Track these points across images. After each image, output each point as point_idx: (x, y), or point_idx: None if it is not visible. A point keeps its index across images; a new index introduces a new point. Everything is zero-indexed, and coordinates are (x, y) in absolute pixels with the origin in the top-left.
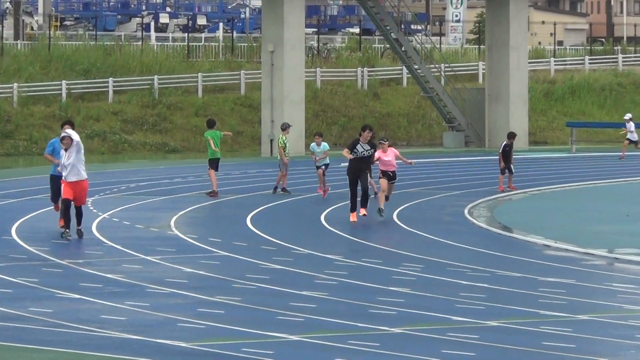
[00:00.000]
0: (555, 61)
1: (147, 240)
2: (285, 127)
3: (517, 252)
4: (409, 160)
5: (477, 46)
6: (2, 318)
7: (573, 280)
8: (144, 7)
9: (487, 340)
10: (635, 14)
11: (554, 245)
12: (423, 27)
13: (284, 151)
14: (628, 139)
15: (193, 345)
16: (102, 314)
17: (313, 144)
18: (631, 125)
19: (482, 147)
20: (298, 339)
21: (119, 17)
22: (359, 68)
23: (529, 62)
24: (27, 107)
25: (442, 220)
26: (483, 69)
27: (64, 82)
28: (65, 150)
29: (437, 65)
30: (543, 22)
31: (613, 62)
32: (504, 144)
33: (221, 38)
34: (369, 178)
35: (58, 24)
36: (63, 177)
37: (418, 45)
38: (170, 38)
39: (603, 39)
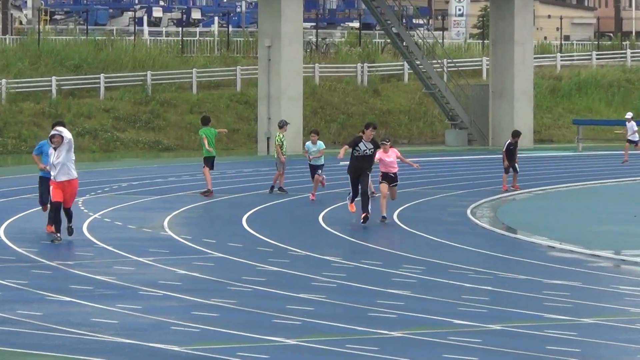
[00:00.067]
0: (561, 57)
1: (140, 241)
2: (282, 125)
3: (521, 254)
4: (414, 164)
5: (481, 41)
6: None
7: (578, 283)
8: (136, 1)
9: (489, 344)
10: None
11: (559, 246)
12: (425, 21)
13: (281, 149)
14: (628, 140)
15: (187, 349)
16: (93, 317)
17: (308, 142)
18: (632, 126)
19: (485, 146)
20: (295, 343)
21: (111, 10)
22: (359, 64)
23: (535, 58)
24: (16, 103)
25: (444, 221)
26: (487, 65)
27: (53, 78)
28: (55, 149)
29: (439, 61)
30: (549, 16)
31: (621, 57)
32: (508, 142)
33: (216, 32)
34: (369, 180)
35: (48, 18)
36: (52, 177)
37: (420, 40)
38: (164, 32)
39: (611, 34)
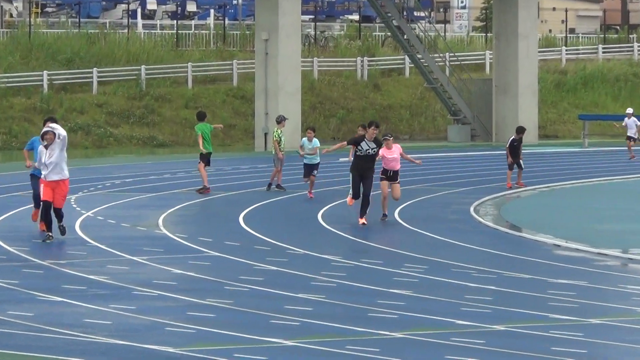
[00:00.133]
0: (566, 50)
1: (134, 240)
2: (280, 120)
3: (525, 252)
4: (417, 160)
5: (484, 34)
6: None
7: (585, 282)
8: None
9: (493, 345)
10: None
11: (564, 244)
12: (426, 13)
13: (279, 145)
14: (628, 137)
15: (182, 350)
16: (86, 317)
17: (304, 139)
18: (632, 122)
19: (489, 142)
20: (293, 344)
21: (104, 3)
22: (359, 57)
23: (539, 52)
24: (7, 98)
25: (447, 219)
26: (490, 59)
27: (45, 72)
28: (46, 147)
29: (441, 55)
30: (554, 9)
31: (628, 51)
32: (511, 138)
33: (212, 25)
34: (372, 182)
35: (39, 10)
36: (42, 176)
37: (421, 33)
38: (158, 25)
39: (618, 27)
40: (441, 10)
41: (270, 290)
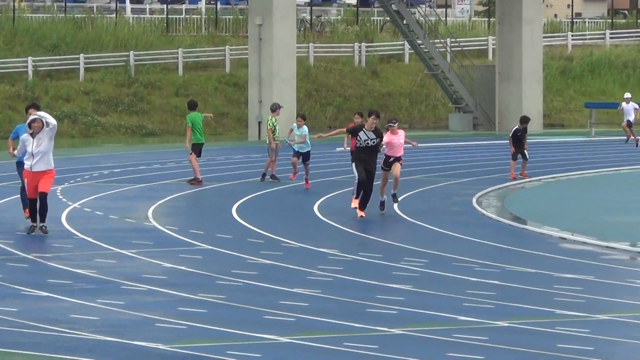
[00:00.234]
0: (572, 35)
1: (122, 233)
2: (274, 108)
3: (530, 246)
4: (414, 142)
5: (487, 19)
6: None
7: (592, 277)
8: None
9: (496, 342)
10: None
11: (570, 237)
12: None
13: (273, 135)
14: (628, 121)
15: (173, 347)
16: (73, 313)
17: (294, 124)
18: (630, 107)
19: (491, 130)
20: (288, 340)
21: None
22: (356, 43)
23: (544, 37)
24: None
25: (448, 211)
26: (493, 45)
27: (30, 58)
28: (32, 134)
29: (442, 40)
30: None
31: (636, 36)
32: (515, 128)
33: (204, 10)
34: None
35: None
36: (27, 166)
37: (421, 18)
38: (148, 10)
39: (626, 11)
40: None
41: (264, 285)
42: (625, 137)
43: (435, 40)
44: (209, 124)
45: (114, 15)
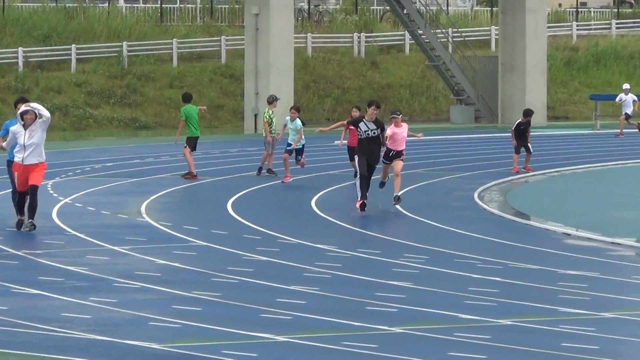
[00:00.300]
0: (577, 25)
1: (115, 228)
2: (271, 100)
3: (533, 242)
4: (418, 134)
5: (490, 9)
6: None
7: (597, 273)
8: None
9: (499, 341)
10: None
11: (575, 233)
12: None
13: (270, 127)
14: (626, 115)
15: (166, 346)
16: (64, 311)
17: (287, 118)
18: (629, 99)
19: (494, 123)
20: (285, 339)
21: None
22: (355, 33)
23: (548, 27)
24: None
25: (449, 206)
26: (496, 35)
27: (20, 49)
28: (25, 127)
29: (443, 30)
30: None
31: None
32: (518, 121)
33: None
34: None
35: None
36: (19, 159)
37: (422, 8)
38: None
39: (632, 1)
40: None
41: (260, 282)
42: (618, 131)
43: (437, 30)
44: (204, 117)
45: (106, 4)
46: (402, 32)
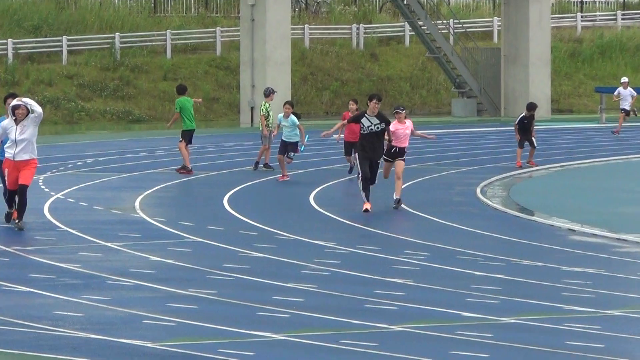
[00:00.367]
0: (582, 16)
1: (108, 224)
2: (268, 93)
3: (537, 238)
4: (430, 136)
5: None
6: None
7: (602, 270)
8: None
9: (502, 339)
10: None
11: (580, 229)
12: None
13: (267, 121)
14: (623, 110)
15: (161, 345)
16: (56, 309)
17: (280, 115)
18: (628, 93)
19: (497, 116)
20: (283, 338)
21: None
22: (354, 24)
23: (552, 18)
24: None
25: (451, 201)
26: (499, 26)
27: (10, 40)
28: (17, 122)
29: (445, 21)
30: None
31: None
32: (521, 116)
33: None
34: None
35: None
36: (9, 155)
37: None
38: None
39: None
40: None
41: (257, 280)
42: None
43: (438, 22)
44: (199, 110)
45: None
46: (402, 23)
